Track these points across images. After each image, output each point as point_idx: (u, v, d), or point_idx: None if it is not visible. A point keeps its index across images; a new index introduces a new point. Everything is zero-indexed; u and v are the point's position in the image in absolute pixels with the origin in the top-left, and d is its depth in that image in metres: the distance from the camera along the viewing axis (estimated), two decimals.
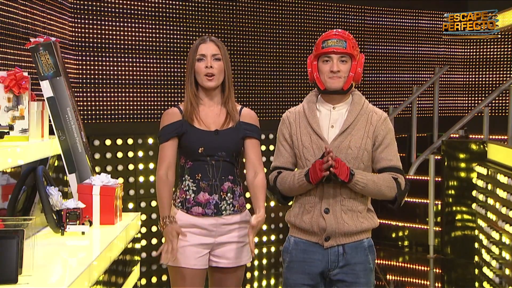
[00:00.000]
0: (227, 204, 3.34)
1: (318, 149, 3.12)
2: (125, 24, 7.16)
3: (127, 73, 7.20)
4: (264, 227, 7.86)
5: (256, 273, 6.86)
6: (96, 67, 7.00)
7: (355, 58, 3.14)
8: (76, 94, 6.72)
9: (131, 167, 7.00)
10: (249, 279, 6.60)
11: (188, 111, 3.33)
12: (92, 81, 7.00)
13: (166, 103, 7.46)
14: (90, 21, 6.93)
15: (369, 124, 3.15)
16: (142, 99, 7.32)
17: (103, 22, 7.01)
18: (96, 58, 7.00)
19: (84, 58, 6.92)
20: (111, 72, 7.10)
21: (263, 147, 8.03)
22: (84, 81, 6.94)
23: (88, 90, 6.98)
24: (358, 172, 3.05)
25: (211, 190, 3.32)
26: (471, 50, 9.87)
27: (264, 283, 6.74)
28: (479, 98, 9.79)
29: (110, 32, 7.06)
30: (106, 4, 7.02)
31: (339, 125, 3.15)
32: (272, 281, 6.78)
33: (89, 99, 6.98)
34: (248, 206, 3.45)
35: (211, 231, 3.33)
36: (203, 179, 3.32)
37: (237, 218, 3.37)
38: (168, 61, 7.47)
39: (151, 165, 7.10)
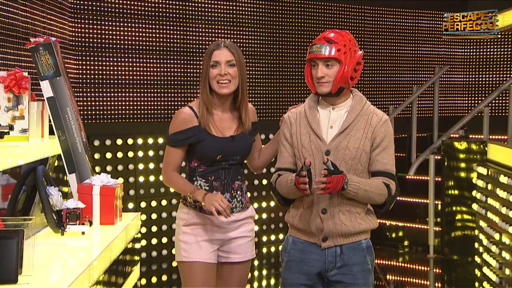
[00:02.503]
0: (237, 202, 3.43)
1: (317, 149, 3.11)
2: (125, 24, 7.16)
3: (127, 73, 7.20)
4: (264, 226, 7.86)
5: (256, 273, 6.86)
6: (96, 67, 7.00)
7: (342, 61, 3.09)
8: (76, 94, 6.72)
9: (131, 167, 7.00)
10: (249, 279, 6.59)
11: (204, 117, 3.34)
12: (92, 81, 7.00)
13: (166, 103, 7.46)
14: (90, 21, 6.93)
15: (369, 126, 3.13)
16: (142, 99, 7.32)
17: (103, 22, 7.01)
18: (96, 58, 7.00)
19: (84, 58, 6.92)
20: (111, 72, 7.10)
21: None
22: (84, 81, 6.94)
23: (88, 90, 6.98)
24: (351, 181, 3.00)
25: (223, 189, 3.40)
26: (471, 50, 9.87)
27: (264, 283, 6.74)
28: (479, 98, 9.79)
29: (110, 32, 7.06)
30: (106, 4, 7.03)
31: (338, 126, 3.14)
32: (272, 281, 6.78)
33: (89, 99, 6.98)
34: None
35: (222, 228, 3.41)
36: (216, 180, 3.40)
37: (244, 214, 3.47)
38: (168, 61, 7.47)
39: (151, 165, 7.10)
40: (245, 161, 3.58)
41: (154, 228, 7.12)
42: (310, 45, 3.14)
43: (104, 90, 7.07)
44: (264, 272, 7.07)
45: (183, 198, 3.46)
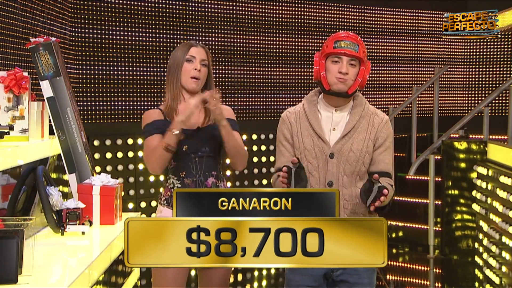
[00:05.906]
0: None
1: (320, 152, 3.11)
2: (125, 24, 7.16)
3: (127, 73, 7.20)
4: None
5: (256, 273, 6.86)
6: (96, 67, 7.00)
7: (363, 63, 3.12)
8: (76, 94, 6.72)
9: (131, 167, 7.00)
10: (249, 279, 6.60)
11: (169, 109, 3.40)
12: (92, 81, 7.00)
13: None
14: (90, 21, 6.93)
15: (371, 127, 3.14)
16: (142, 99, 7.32)
17: (103, 22, 7.01)
18: (96, 58, 7.00)
19: (84, 58, 6.92)
20: (111, 72, 7.10)
21: (263, 147, 8.02)
22: (84, 81, 6.94)
23: (88, 90, 6.98)
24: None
25: (195, 186, 3.36)
26: (471, 50, 9.88)
27: (264, 283, 6.74)
28: (479, 98, 9.80)
29: (110, 32, 7.06)
30: (106, 4, 7.03)
31: (341, 128, 3.13)
32: (272, 281, 6.78)
33: (89, 99, 6.98)
34: None
35: None
36: (188, 176, 3.36)
37: None
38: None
39: None
40: (229, 161, 3.48)
41: None
42: (333, 41, 3.09)
43: (104, 90, 7.07)
44: (264, 272, 7.07)
45: (159, 196, 3.46)
